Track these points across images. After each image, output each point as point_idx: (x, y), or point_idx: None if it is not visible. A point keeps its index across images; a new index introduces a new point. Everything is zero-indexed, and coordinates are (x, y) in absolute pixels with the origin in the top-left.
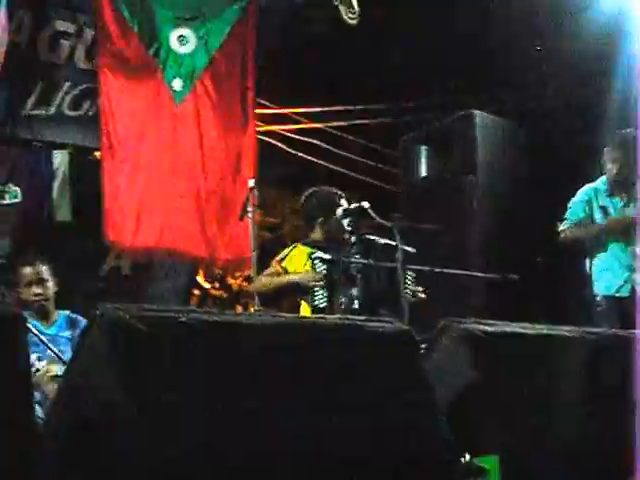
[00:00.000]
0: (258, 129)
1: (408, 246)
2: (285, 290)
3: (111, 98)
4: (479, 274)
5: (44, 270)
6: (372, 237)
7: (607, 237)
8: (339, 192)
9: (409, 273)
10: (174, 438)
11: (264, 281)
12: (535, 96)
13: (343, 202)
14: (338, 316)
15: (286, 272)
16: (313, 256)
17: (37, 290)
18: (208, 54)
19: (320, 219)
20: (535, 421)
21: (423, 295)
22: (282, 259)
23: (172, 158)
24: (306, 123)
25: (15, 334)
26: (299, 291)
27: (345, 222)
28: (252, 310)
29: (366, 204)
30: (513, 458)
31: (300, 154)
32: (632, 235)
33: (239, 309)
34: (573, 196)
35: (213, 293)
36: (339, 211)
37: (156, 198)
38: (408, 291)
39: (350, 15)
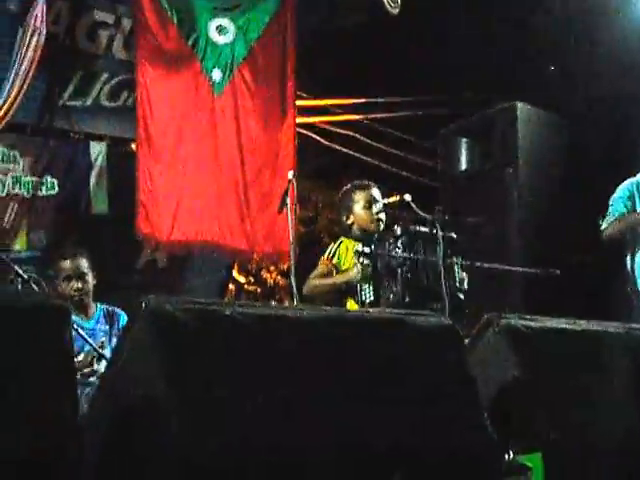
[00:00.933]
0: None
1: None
2: (334, 290)
3: (149, 89)
4: (520, 268)
5: (83, 263)
6: (419, 228)
7: None
8: (371, 184)
9: (455, 261)
10: (217, 431)
11: (317, 282)
12: (579, 88)
13: (377, 194)
14: (380, 309)
15: (337, 269)
16: (354, 249)
17: (77, 284)
18: (247, 45)
19: (348, 213)
20: (579, 418)
21: (466, 286)
22: (331, 257)
23: (211, 150)
24: (343, 115)
25: (60, 326)
26: (347, 291)
27: (379, 215)
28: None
29: (408, 197)
30: (557, 455)
31: (336, 146)
32: None
33: (273, 304)
34: (615, 190)
35: (248, 288)
36: (379, 205)
37: (195, 190)
38: (457, 282)
39: (392, 4)
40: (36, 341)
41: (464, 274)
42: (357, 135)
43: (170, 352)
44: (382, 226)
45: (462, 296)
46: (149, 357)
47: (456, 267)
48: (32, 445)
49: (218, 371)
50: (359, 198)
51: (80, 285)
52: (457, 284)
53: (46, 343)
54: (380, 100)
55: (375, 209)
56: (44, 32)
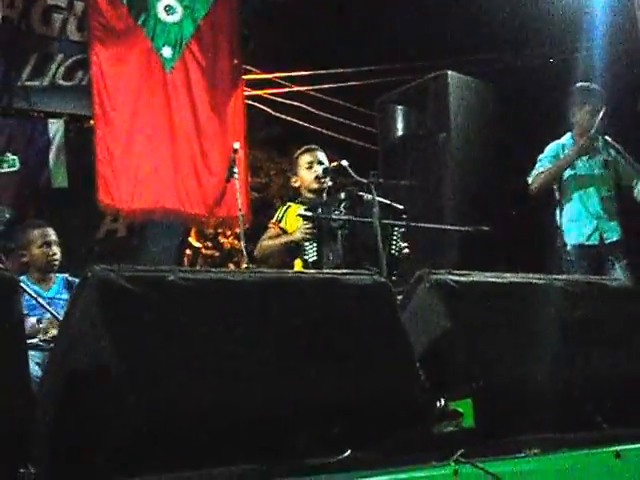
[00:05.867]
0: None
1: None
2: (286, 249)
3: (103, 67)
4: (452, 227)
5: (53, 232)
6: (362, 193)
7: (573, 160)
8: (317, 148)
9: (396, 229)
10: (166, 397)
11: (267, 244)
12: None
13: (322, 157)
14: (316, 271)
15: (284, 232)
16: (297, 213)
17: (56, 250)
18: (194, 23)
19: (295, 176)
20: (507, 365)
21: (407, 250)
22: (279, 220)
23: (166, 121)
24: (290, 87)
25: (9, 298)
26: (296, 251)
27: (320, 174)
28: (243, 267)
29: (345, 162)
30: (486, 401)
31: (283, 116)
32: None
33: (231, 267)
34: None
35: (205, 252)
36: (319, 169)
37: (152, 160)
38: (394, 247)
39: None
40: None
41: (404, 245)
42: (303, 105)
43: (117, 319)
44: (325, 185)
45: (399, 256)
46: (96, 326)
47: (395, 234)
48: None
49: (164, 336)
50: (303, 161)
51: (58, 252)
52: (395, 251)
53: None
54: (324, 72)
55: (316, 168)
56: (0, 17)
